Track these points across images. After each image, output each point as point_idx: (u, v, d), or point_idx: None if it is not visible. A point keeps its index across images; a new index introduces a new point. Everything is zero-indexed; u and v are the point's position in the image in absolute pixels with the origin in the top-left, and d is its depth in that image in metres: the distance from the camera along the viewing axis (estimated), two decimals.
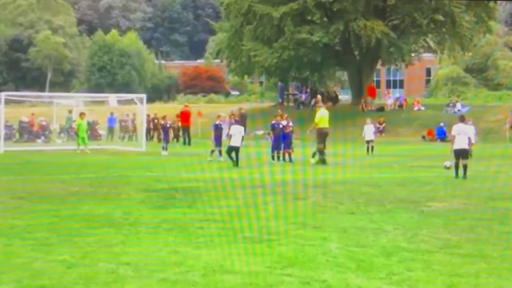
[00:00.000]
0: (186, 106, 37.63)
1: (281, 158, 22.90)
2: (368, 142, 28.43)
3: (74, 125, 40.34)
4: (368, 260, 7.76)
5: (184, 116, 35.23)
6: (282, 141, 23.11)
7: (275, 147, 23.16)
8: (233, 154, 21.05)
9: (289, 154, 23.04)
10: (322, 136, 22.11)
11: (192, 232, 9.46)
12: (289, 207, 12.07)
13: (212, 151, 23.48)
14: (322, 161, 21.61)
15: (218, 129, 23.57)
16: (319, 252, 8.15)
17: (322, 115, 22.36)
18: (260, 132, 39.69)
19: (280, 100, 52.41)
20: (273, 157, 22.97)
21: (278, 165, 21.68)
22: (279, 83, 54.40)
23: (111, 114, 41.69)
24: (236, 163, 20.73)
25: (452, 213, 11.38)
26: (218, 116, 24.62)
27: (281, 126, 23.38)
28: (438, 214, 11.27)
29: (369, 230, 9.68)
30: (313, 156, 22.07)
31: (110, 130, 41.23)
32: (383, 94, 57.05)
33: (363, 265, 7.53)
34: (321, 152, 21.90)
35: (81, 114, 30.72)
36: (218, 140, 23.39)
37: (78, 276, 7.01)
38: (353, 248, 8.37)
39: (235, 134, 21.16)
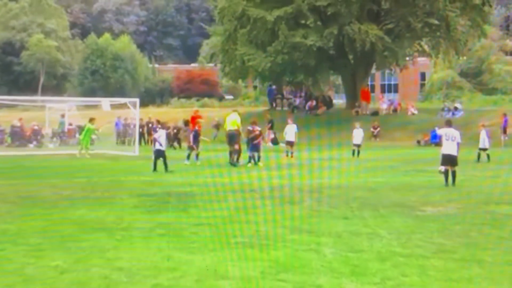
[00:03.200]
0: (196, 111, 37.57)
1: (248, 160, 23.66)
2: (354, 145, 28.60)
3: (66, 129, 40.37)
4: (363, 265, 7.77)
5: (195, 122, 35.25)
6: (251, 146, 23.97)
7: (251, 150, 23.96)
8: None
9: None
10: (227, 138, 24.02)
11: (185, 237, 9.46)
12: (283, 212, 12.08)
13: (197, 155, 24.36)
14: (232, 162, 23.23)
15: (196, 133, 24.84)
16: (313, 257, 8.15)
17: (227, 119, 24.36)
18: None
19: (273, 105, 52.34)
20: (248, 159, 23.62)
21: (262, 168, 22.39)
22: (268, 87, 54.38)
23: (118, 118, 41.76)
24: (165, 167, 20.77)
25: (447, 218, 11.41)
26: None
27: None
28: (433, 219, 11.29)
29: (363, 235, 9.70)
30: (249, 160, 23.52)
31: (119, 133, 41.38)
32: (378, 98, 57.10)
33: (357, 270, 7.54)
34: (230, 153, 23.54)
35: (92, 120, 30.60)
36: (195, 143, 24.43)
37: (70, 282, 7.00)
38: (347, 253, 8.38)
39: (160, 137, 21.40)
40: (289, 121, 27.92)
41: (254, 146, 23.74)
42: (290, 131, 27.22)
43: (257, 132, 24.20)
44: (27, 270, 7.51)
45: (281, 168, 22.43)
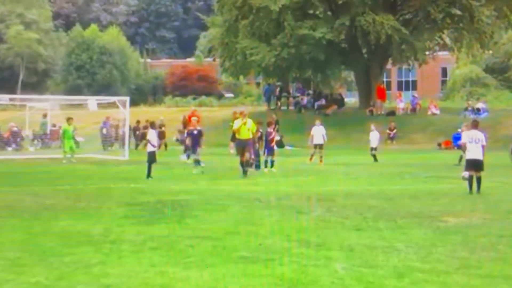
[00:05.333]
0: (194, 110, 37.66)
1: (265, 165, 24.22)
2: (372, 149, 28.87)
3: (48, 131, 40.42)
4: (378, 282, 7.76)
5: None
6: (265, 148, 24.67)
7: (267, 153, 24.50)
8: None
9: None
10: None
11: (181, 251, 9.45)
12: (290, 223, 12.07)
13: (196, 161, 23.75)
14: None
15: (192, 135, 24.17)
16: (323, 273, 8.14)
17: None
18: None
19: (278, 104, 52.33)
20: (255, 166, 23.95)
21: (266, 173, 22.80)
22: (265, 86, 54.49)
23: (106, 119, 41.63)
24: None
25: (471, 229, 11.39)
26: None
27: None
28: (456, 231, 11.28)
29: (379, 248, 9.68)
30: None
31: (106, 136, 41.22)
32: (394, 96, 57.12)
33: (372, 287, 7.53)
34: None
35: (69, 119, 30.74)
36: (193, 147, 23.95)
37: None
38: (361, 269, 8.37)
39: (151, 138, 21.44)
40: (317, 122, 28.57)
41: (270, 150, 24.39)
42: (318, 134, 27.71)
43: (273, 134, 24.92)
44: (5, 287, 7.50)
45: (289, 174, 22.46)
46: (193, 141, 23.88)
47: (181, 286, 7.51)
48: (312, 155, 27.67)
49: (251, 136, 22.54)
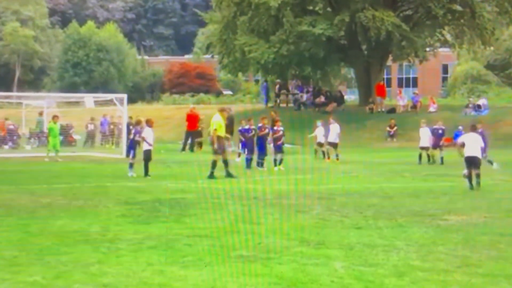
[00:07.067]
0: (193, 109, 37.59)
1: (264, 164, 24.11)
2: (319, 144, 28.56)
3: (44, 129, 40.44)
4: (378, 280, 7.77)
5: (192, 120, 35.30)
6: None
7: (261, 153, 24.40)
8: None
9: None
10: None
11: (179, 250, 9.47)
12: (289, 221, 12.08)
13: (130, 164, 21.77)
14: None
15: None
16: (323, 272, 8.16)
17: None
18: None
19: (277, 101, 52.32)
20: (258, 164, 24.00)
21: (264, 172, 22.59)
22: (263, 83, 54.49)
23: (104, 116, 41.48)
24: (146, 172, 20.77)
25: (472, 228, 11.42)
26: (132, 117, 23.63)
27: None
28: (456, 229, 11.30)
29: (379, 247, 9.70)
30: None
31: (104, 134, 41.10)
32: (394, 93, 57.11)
33: (372, 286, 7.55)
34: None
35: (54, 117, 30.78)
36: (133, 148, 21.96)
37: None
38: (360, 268, 8.39)
39: (148, 136, 21.18)
40: (331, 120, 28.36)
41: (278, 147, 24.43)
42: (332, 132, 27.64)
43: (281, 132, 24.79)
44: (2, 286, 7.52)
45: (288, 172, 22.47)
46: (132, 143, 22.17)
47: (179, 285, 7.53)
48: (337, 156, 27.46)
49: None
